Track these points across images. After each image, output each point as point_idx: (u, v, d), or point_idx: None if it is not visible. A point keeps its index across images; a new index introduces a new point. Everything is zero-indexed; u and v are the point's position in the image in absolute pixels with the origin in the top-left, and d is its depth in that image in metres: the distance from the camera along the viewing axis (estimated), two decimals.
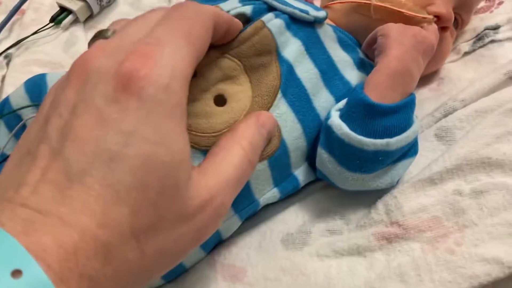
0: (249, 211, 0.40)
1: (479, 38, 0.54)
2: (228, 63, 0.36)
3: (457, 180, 0.40)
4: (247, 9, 0.39)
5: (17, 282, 0.18)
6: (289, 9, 0.40)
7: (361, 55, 0.45)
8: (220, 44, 0.36)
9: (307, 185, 0.44)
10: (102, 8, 0.67)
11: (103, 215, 0.21)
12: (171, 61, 0.24)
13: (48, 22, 0.63)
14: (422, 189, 0.41)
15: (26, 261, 0.19)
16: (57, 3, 0.64)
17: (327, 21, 0.43)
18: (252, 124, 0.30)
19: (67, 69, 0.26)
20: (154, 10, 0.29)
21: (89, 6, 0.64)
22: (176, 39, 0.25)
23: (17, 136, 0.41)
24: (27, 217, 0.21)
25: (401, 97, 0.40)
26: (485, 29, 0.54)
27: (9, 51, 0.61)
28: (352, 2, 0.46)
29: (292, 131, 0.39)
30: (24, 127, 0.40)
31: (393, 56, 0.40)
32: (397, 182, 0.42)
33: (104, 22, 0.65)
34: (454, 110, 0.46)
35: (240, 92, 0.37)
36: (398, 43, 0.40)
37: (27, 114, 0.41)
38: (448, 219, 0.39)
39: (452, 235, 0.38)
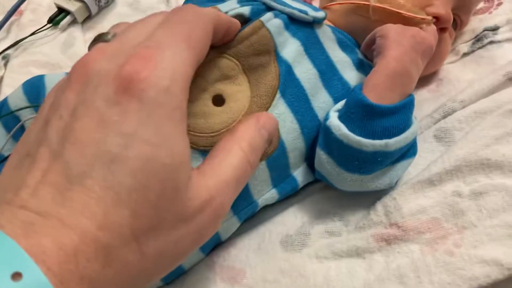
0: (248, 212, 0.40)
1: (478, 39, 0.54)
2: (226, 62, 0.36)
3: (456, 182, 0.40)
4: (246, 10, 0.39)
5: (17, 285, 0.18)
6: (287, 9, 0.40)
7: (360, 55, 0.45)
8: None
9: (306, 186, 0.44)
10: (100, 9, 0.66)
11: (104, 217, 0.21)
12: (172, 64, 0.24)
13: (46, 23, 0.63)
14: (421, 190, 0.41)
15: (26, 264, 0.19)
16: (55, 4, 0.64)
17: (326, 22, 0.43)
18: (252, 125, 0.30)
19: (65, 70, 0.26)
20: (154, 14, 0.29)
21: (87, 7, 0.64)
22: (177, 42, 0.25)
23: (15, 137, 0.41)
24: (26, 219, 0.21)
25: (400, 98, 0.40)
26: (484, 30, 0.54)
27: (7, 52, 0.61)
28: (350, 3, 0.46)
29: (290, 132, 0.39)
30: (22, 128, 0.40)
31: (391, 57, 0.40)
32: (396, 183, 0.42)
33: (102, 23, 0.65)
34: (453, 111, 0.46)
35: (238, 92, 0.37)
36: (397, 44, 0.40)
37: (25, 115, 0.41)
38: (447, 220, 0.39)
39: (451, 237, 0.38)
